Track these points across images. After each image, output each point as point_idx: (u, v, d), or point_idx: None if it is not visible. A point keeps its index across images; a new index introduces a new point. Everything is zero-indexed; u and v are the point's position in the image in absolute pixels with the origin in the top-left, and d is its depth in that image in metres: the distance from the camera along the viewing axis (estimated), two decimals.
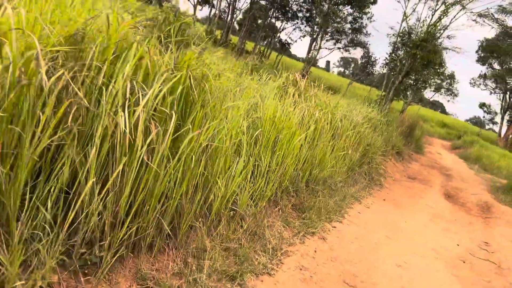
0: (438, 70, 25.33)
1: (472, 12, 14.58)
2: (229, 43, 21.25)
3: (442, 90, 27.27)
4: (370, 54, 25.84)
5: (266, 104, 4.36)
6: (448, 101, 27.52)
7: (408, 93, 25.93)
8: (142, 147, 2.04)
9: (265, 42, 27.09)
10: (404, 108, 26.42)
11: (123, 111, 1.97)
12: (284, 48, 25.54)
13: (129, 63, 2.06)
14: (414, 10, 15.58)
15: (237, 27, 32.50)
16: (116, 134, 1.97)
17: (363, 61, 27.52)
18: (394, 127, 14.96)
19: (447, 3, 14.76)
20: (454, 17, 15.27)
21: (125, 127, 1.94)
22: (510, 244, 6.90)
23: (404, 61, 15.19)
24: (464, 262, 5.46)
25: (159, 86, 2.20)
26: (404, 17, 15.80)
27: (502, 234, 7.63)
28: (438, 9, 14.64)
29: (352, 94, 22.16)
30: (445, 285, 4.29)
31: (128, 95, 2.01)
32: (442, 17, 14.37)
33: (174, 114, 2.23)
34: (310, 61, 23.54)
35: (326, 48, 24.67)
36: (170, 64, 2.44)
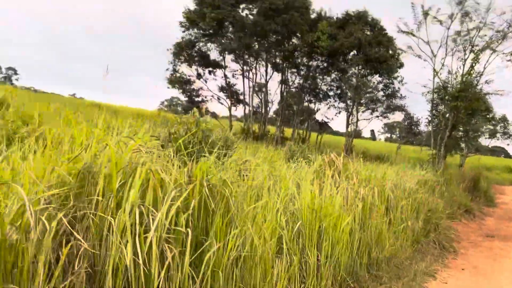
0: (487, 116, 24.30)
1: (504, 53, 14.21)
2: (267, 134, 21.76)
3: (498, 135, 25.81)
4: (411, 115, 25.43)
5: (303, 193, 4.18)
6: (508, 144, 25.83)
7: (463, 145, 24.77)
8: (158, 276, 1.90)
9: (304, 126, 27.63)
10: (462, 162, 25.05)
11: (134, 239, 1.88)
12: (322, 127, 25.76)
13: (134, 189, 2.03)
14: (443, 65, 15.45)
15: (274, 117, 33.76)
16: (130, 267, 1.86)
17: (406, 123, 27.00)
18: (455, 184, 14.04)
19: (475, 50, 14.55)
20: (487, 61, 14.92)
21: (139, 257, 1.84)
22: None
23: (447, 115, 14.69)
24: None
25: (169, 205, 2.12)
26: (435, 73, 15.64)
27: None
28: (468, 57, 14.43)
29: (403, 158, 21.44)
30: None
31: (137, 221, 1.94)
32: (474, 64, 14.08)
33: (189, 232, 2.11)
34: (351, 135, 23.42)
35: (364, 119, 24.67)
36: (182, 179, 2.40)
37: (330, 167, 5.81)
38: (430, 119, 16.04)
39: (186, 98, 26.63)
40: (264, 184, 4.43)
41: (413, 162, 13.42)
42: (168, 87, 26.02)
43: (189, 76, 25.90)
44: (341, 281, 4.16)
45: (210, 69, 25.98)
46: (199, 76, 25.67)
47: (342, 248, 4.17)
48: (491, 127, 25.11)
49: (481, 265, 7.32)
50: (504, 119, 25.20)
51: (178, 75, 25.16)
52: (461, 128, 16.95)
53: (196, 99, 26.23)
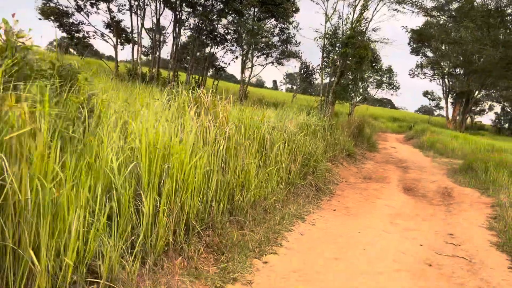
0: (375, 66, 25.54)
1: (390, 1, 14.50)
2: (157, 77, 20.24)
3: (384, 85, 27.55)
4: (307, 63, 25.71)
5: (145, 129, 3.39)
6: (392, 94, 27.79)
7: (352, 94, 25.90)
8: None
9: (207, 73, 26.44)
10: (351, 110, 26.32)
11: None
12: (218, 72, 24.81)
13: None
14: (335, 10, 15.39)
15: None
16: None
17: (302, 71, 27.39)
18: (341, 129, 14.39)
19: None
20: (375, 9, 15.19)
21: None
22: (477, 229, 6.20)
23: (337, 62, 14.83)
24: (430, 265, 4.63)
25: None
26: (327, 18, 15.55)
27: (467, 218, 6.95)
28: (357, 4, 14.48)
29: (297, 107, 21.70)
30: None
31: None
32: (363, 11, 14.19)
33: None
34: (245, 81, 22.97)
35: (259, 64, 24.26)
36: None
37: (196, 104, 5.09)
38: (321, 66, 16.15)
39: (64, 34, 23.47)
40: (104, 121, 3.56)
41: (302, 109, 13.38)
42: (40, 19, 22.49)
43: (66, 7, 22.66)
44: (189, 229, 3.56)
45: (92, 0, 22.90)
46: (79, 8, 22.53)
47: (191, 192, 3.54)
48: (378, 78, 26.63)
49: (354, 205, 7.41)
50: (390, 70, 26.87)
51: (52, 5, 21.79)
52: (349, 76, 17.40)
53: (77, 34, 23.24)
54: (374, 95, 28.39)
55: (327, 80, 16.39)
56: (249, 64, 22.66)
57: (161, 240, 3.04)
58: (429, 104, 47.71)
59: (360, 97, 27.75)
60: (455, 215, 7.33)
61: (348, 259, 4.25)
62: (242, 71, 22.19)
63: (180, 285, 2.95)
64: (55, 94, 3.90)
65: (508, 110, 45.57)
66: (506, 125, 47.00)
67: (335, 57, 15.25)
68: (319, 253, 4.32)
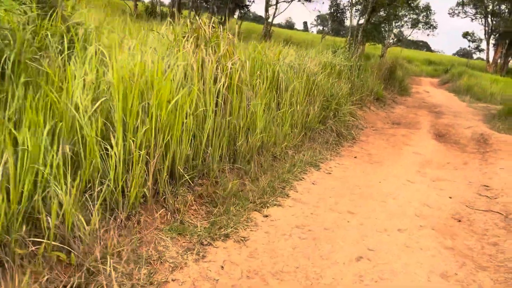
0: (411, 3, 23.57)
1: None
2: (177, 15, 19.30)
3: (420, 25, 25.51)
4: (337, 0, 23.83)
5: (122, 60, 2.85)
6: (428, 35, 25.63)
7: (385, 34, 24.24)
8: None
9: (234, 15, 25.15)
10: (383, 52, 24.77)
11: None
12: (241, 11, 23.38)
13: None
14: None
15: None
16: None
17: (332, 10, 25.60)
18: (370, 71, 13.40)
19: None
20: None
21: None
22: None
23: None
24: (459, 221, 4.06)
25: None
26: None
27: (505, 168, 6.23)
28: None
29: (325, 47, 20.55)
30: (433, 275, 2.88)
31: None
32: None
33: None
34: (269, 19, 21.67)
35: (284, 1, 22.56)
36: None
37: (195, 35, 4.45)
38: (351, 1, 14.76)
39: None
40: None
41: (328, 48, 12.40)
42: None
43: None
44: (177, 178, 3.09)
45: None
46: None
47: (178, 136, 3.03)
48: (414, 16, 24.62)
49: (378, 152, 6.78)
50: (427, 8, 24.69)
51: None
52: (381, 13, 15.97)
53: None
54: (409, 35, 26.40)
55: (357, 20, 15.14)
56: (273, 1, 21.22)
57: (135, 191, 2.59)
58: (469, 47, 44.51)
59: (394, 38, 25.95)
60: (491, 164, 6.60)
61: (364, 214, 3.73)
62: (266, 9, 20.76)
63: (159, 242, 2.53)
64: (31, 19, 3.39)
65: None
66: None
67: None
68: (331, 206, 3.81)
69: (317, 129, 6.46)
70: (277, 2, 21.29)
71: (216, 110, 3.80)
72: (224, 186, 3.40)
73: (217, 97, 3.89)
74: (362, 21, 13.98)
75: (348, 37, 13.66)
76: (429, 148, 7.71)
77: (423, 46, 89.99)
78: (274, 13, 21.94)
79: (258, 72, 4.98)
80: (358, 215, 3.67)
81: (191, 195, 3.14)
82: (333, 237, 3.11)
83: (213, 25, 4.65)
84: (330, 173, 4.92)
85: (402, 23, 24.19)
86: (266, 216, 3.31)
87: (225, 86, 3.96)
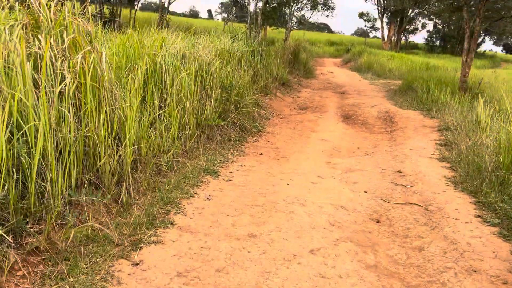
0: None
1: None
2: None
3: (319, 7, 25.90)
4: None
5: None
6: (327, 16, 26.01)
7: (287, 17, 24.10)
8: None
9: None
10: (286, 36, 24.64)
11: None
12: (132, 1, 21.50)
13: None
14: None
15: None
16: None
17: None
18: (274, 56, 12.87)
19: None
20: None
21: None
22: (427, 162, 5.22)
23: None
24: (378, 221, 3.53)
25: None
26: None
27: (414, 148, 5.99)
28: None
29: (224, 33, 19.79)
30: None
31: None
32: None
33: None
34: (164, 6, 20.27)
35: None
36: None
37: (30, 22, 3.34)
38: None
39: None
40: None
41: (227, 35, 11.59)
42: None
43: None
44: None
45: None
46: None
47: None
48: None
49: (285, 145, 6.17)
50: None
51: None
52: None
53: None
54: (309, 17, 26.66)
55: (255, 3, 14.51)
56: None
57: None
58: (365, 26, 46.78)
59: (296, 21, 25.98)
60: (400, 145, 6.35)
61: (268, 235, 2.99)
62: None
63: None
64: None
65: (440, 27, 45.87)
66: (438, 43, 47.64)
67: None
68: (228, 230, 3.01)
69: (216, 126, 5.64)
70: None
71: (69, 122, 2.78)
72: (70, 230, 2.42)
73: (64, 102, 2.86)
74: (260, 4, 13.42)
75: (248, 21, 13.02)
76: (337, 133, 7.32)
77: (324, 28, 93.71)
78: (169, 1, 20.51)
79: (131, 66, 4.00)
80: (260, 238, 2.92)
81: (16, 253, 2.13)
82: (227, 284, 2.31)
83: (59, 8, 3.55)
84: (230, 180, 4.13)
85: (302, 5, 24.22)
86: (137, 264, 2.40)
87: (72, 88, 2.93)
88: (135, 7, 21.03)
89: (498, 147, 4.25)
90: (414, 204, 3.89)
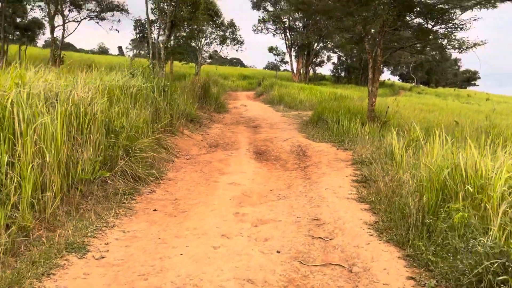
0: (216, 21, 23.58)
1: None
2: None
3: (228, 41, 25.82)
4: (140, 18, 22.00)
5: None
6: (237, 50, 26.11)
7: (197, 52, 23.67)
8: None
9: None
10: (197, 71, 24.14)
11: None
12: (26, 36, 19.44)
13: None
14: None
15: None
16: None
17: (138, 30, 23.72)
18: (181, 91, 12.05)
19: None
20: None
21: None
22: (345, 204, 4.66)
23: (166, 11, 12.20)
24: None
25: None
26: None
27: (330, 187, 5.45)
28: None
29: (126, 68, 18.55)
30: None
31: None
32: None
33: None
34: (57, 41, 18.57)
35: (74, 20, 19.67)
36: None
37: None
38: (147, 16, 13.24)
39: None
40: None
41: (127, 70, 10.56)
42: None
43: None
44: None
45: None
46: None
47: None
48: (221, 33, 24.77)
49: (187, 193, 5.27)
50: (232, 24, 25.11)
51: None
52: (185, 28, 14.96)
53: None
54: (220, 52, 26.45)
55: (157, 36, 13.69)
56: (60, 21, 18.14)
57: None
58: (275, 60, 48.21)
59: (206, 55, 25.68)
60: (315, 184, 5.79)
61: None
62: (52, 31, 17.46)
63: None
64: None
65: (343, 59, 48.86)
66: (343, 74, 50.64)
67: (164, 4, 12.55)
68: None
69: (97, 179, 4.58)
70: (64, 23, 18.26)
71: None
72: None
73: None
74: (162, 38, 12.65)
75: (150, 56, 12.13)
76: (249, 173, 6.61)
77: (237, 62, 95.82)
78: (63, 34, 18.87)
79: None
80: None
81: None
82: None
83: None
84: (103, 257, 3.11)
85: (211, 40, 24.02)
86: None
87: None
88: (31, 44, 19.04)
89: (419, 186, 3.79)
90: (336, 264, 3.20)
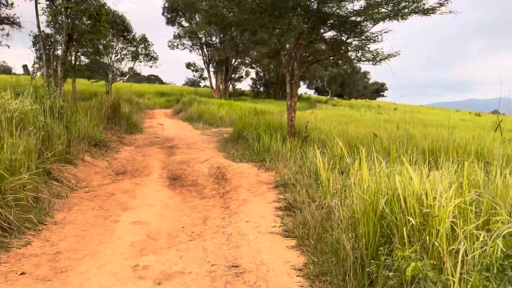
0: (127, 36, 22.20)
1: None
2: None
3: (141, 57, 24.43)
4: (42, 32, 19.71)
5: None
6: (151, 66, 24.86)
7: (107, 68, 21.98)
8: None
9: None
10: (108, 89, 22.42)
11: None
12: None
13: None
14: None
15: None
16: None
17: (37, 46, 21.33)
18: (84, 113, 10.68)
19: None
20: None
21: None
22: (268, 241, 3.95)
23: (59, 22, 10.80)
24: None
25: None
26: None
27: (251, 219, 4.72)
28: None
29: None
30: None
31: None
32: None
33: None
34: None
35: None
36: None
37: None
38: (38, 28, 11.60)
39: None
40: None
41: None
42: None
43: None
44: None
45: None
46: None
47: None
48: (133, 49, 23.34)
49: (76, 240, 4.20)
50: (144, 39, 23.75)
51: None
52: (85, 43, 13.51)
53: None
54: (132, 68, 24.89)
55: (51, 51, 12.12)
56: None
57: None
58: (194, 76, 47.29)
59: (117, 72, 23.99)
60: (234, 215, 5.02)
61: None
62: None
63: None
64: None
65: (261, 74, 49.38)
66: (262, 89, 51.14)
67: (62, 16, 11.12)
68: None
69: None
70: None
71: None
72: None
73: None
74: (59, 52, 11.20)
75: (45, 73, 10.62)
76: (158, 206, 5.66)
77: (155, 79, 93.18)
78: None
79: None
80: None
81: None
82: None
83: None
84: None
85: (122, 56, 22.50)
86: None
87: None
88: None
89: (353, 219, 3.18)
90: None
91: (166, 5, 35.76)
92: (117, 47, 21.50)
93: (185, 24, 37.69)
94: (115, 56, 22.24)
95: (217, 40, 39.21)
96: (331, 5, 9.44)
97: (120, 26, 20.53)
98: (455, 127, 25.18)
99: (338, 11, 9.46)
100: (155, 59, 25.12)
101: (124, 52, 22.75)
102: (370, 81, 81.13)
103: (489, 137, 11.13)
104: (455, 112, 51.22)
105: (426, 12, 9.04)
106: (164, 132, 15.78)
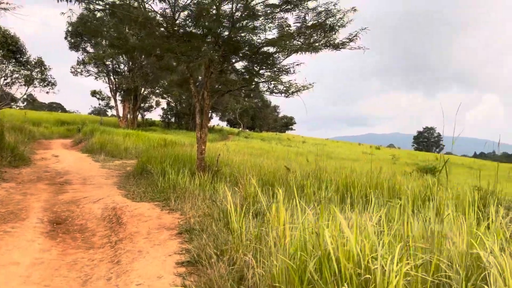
0: (20, 58, 19.87)
1: None
2: None
3: (36, 82, 21.92)
4: None
5: None
6: (47, 92, 22.31)
7: None
8: None
9: None
10: None
11: None
12: None
13: None
14: None
15: None
16: None
17: None
18: None
19: None
20: None
21: None
22: None
23: None
24: None
25: None
26: None
27: (145, 279, 3.76)
28: None
29: None
30: None
31: None
32: None
33: None
34: None
35: None
36: None
37: None
38: None
39: None
40: None
41: None
42: None
43: None
44: None
45: None
46: None
47: None
48: (27, 72, 20.88)
49: None
50: (40, 62, 21.41)
51: None
52: None
53: None
54: (24, 94, 22.11)
55: None
56: None
57: None
58: (99, 104, 44.42)
59: (6, 97, 21.23)
60: (125, 274, 3.99)
61: None
62: None
63: None
64: None
65: (173, 105, 48.14)
66: (173, 119, 49.77)
67: None
68: None
69: None
70: None
71: None
72: None
73: None
74: None
75: None
76: (25, 265, 4.40)
77: (57, 107, 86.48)
78: None
79: None
80: None
81: None
82: None
83: None
84: None
85: (13, 80, 19.99)
86: None
87: None
88: None
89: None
90: None
91: (70, 29, 33.45)
92: (7, 70, 19.09)
93: (90, 50, 35.47)
94: (4, 79, 19.69)
95: (126, 68, 37.47)
96: (243, 34, 9.04)
97: (11, 47, 18.31)
98: (360, 160, 26.38)
99: (250, 40, 9.08)
100: (52, 84, 22.79)
101: (16, 75, 20.27)
102: (280, 115, 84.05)
103: (391, 169, 11.36)
104: (357, 146, 54.70)
105: (337, 46, 9.04)
106: (58, 164, 13.93)
